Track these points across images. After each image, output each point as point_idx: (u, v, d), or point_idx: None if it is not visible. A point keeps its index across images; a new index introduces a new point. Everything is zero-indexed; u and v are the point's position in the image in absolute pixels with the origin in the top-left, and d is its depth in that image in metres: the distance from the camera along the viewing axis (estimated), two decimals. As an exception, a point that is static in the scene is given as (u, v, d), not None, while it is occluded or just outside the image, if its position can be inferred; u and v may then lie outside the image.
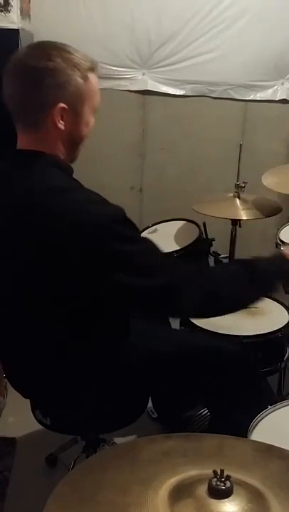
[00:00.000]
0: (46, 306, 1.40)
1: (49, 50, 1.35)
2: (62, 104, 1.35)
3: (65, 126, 1.37)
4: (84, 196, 1.32)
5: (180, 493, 0.88)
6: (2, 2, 2.35)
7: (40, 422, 1.63)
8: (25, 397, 1.62)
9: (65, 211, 1.27)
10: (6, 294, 1.45)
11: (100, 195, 1.34)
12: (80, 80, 1.37)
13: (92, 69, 1.41)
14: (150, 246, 1.36)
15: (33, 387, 1.58)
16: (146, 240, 1.38)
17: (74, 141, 1.44)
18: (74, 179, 1.42)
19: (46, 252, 1.29)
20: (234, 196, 2.41)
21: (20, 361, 1.55)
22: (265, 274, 1.48)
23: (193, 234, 2.41)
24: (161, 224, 2.60)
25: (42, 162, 1.37)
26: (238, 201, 2.39)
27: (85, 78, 1.38)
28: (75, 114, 1.39)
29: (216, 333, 1.95)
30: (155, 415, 2.29)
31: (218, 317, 1.96)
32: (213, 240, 2.41)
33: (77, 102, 1.38)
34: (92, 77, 1.40)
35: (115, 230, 1.28)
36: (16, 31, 2.37)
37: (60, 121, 1.36)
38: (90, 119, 1.45)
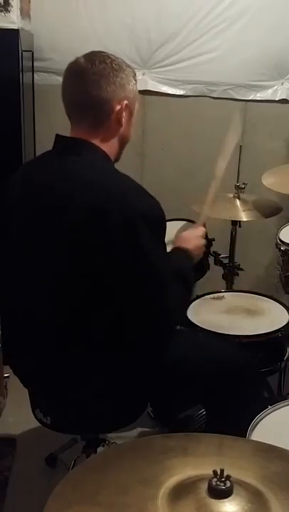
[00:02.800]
0: (56, 299, 1.42)
1: (105, 55, 1.47)
2: (126, 101, 1.46)
3: (123, 124, 1.49)
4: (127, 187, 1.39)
5: (180, 493, 0.88)
6: (2, 2, 2.34)
7: (40, 421, 1.63)
8: (25, 386, 1.63)
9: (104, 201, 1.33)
10: (29, 285, 1.47)
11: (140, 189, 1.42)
12: (133, 81, 1.50)
13: (136, 75, 1.53)
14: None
15: (34, 380, 1.59)
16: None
17: (124, 141, 1.54)
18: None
19: (79, 240, 1.35)
20: (234, 197, 2.41)
21: (24, 352, 1.56)
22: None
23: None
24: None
25: (93, 152, 1.45)
26: (238, 202, 2.39)
27: (135, 81, 1.51)
28: (130, 113, 1.51)
29: (216, 333, 1.95)
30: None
31: (218, 317, 1.97)
32: (213, 240, 2.41)
33: (132, 102, 1.50)
34: (136, 82, 1.53)
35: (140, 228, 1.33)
36: (16, 31, 2.37)
37: (123, 118, 1.47)
38: (135, 121, 1.55)
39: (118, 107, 1.46)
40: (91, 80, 1.43)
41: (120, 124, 1.48)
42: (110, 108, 1.46)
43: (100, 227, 1.32)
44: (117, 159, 1.55)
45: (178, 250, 1.66)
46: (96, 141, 1.47)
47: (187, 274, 1.58)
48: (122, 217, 1.31)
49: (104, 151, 1.48)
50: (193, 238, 1.72)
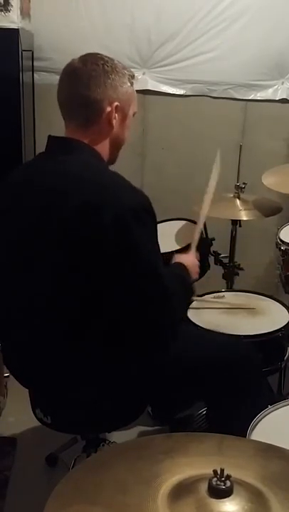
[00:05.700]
0: (55, 300, 1.41)
1: (99, 56, 1.50)
2: (117, 103, 1.48)
3: (114, 125, 1.50)
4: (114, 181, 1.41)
5: (180, 492, 0.88)
6: (2, 2, 2.34)
7: (40, 420, 1.63)
8: (25, 386, 1.62)
9: (99, 198, 1.34)
10: (29, 286, 1.46)
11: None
12: (128, 83, 1.52)
13: (133, 77, 1.56)
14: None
15: (34, 379, 1.58)
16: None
17: (117, 143, 1.55)
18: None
19: (77, 238, 1.35)
20: (234, 197, 2.41)
21: (23, 352, 1.55)
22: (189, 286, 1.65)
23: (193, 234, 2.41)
24: (161, 224, 2.57)
25: (83, 151, 1.47)
26: (238, 202, 2.39)
27: (131, 83, 1.53)
28: (123, 115, 1.52)
29: (216, 332, 1.95)
30: (155, 414, 2.28)
31: (218, 317, 1.96)
32: (213, 240, 2.41)
33: (125, 104, 1.52)
34: (133, 84, 1.55)
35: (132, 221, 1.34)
36: (15, 31, 2.37)
37: (115, 119, 1.49)
38: (130, 123, 1.57)
39: (109, 109, 1.48)
40: (81, 80, 1.47)
41: (111, 126, 1.50)
42: (100, 109, 1.47)
43: (91, 221, 1.33)
44: (111, 161, 1.56)
45: (176, 263, 1.69)
46: (87, 141, 1.49)
47: (184, 276, 1.61)
48: (113, 212, 1.32)
49: (95, 150, 1.49)
50: (188, 257, 1.77)
